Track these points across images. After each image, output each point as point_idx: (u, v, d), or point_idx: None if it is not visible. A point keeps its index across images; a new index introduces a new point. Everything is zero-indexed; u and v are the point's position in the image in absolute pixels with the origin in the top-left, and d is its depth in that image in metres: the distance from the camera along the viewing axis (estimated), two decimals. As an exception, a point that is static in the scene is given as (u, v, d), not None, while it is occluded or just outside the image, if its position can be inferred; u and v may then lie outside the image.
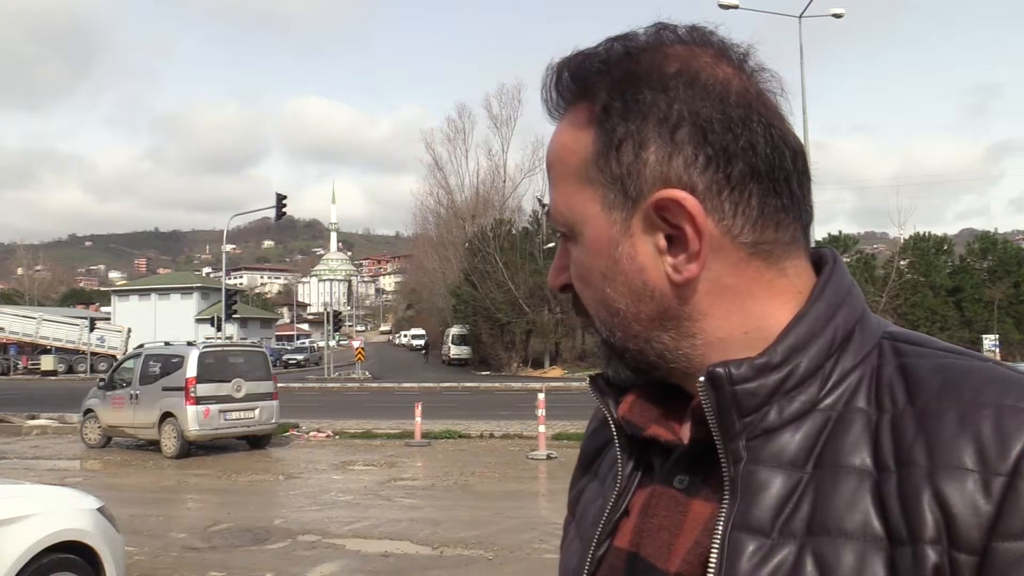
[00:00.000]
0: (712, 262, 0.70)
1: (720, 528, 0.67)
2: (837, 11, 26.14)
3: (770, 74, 0.74)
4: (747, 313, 0.71)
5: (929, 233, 46.72)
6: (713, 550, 0.66)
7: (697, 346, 0.72)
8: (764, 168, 0.69)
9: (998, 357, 36.21)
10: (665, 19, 0.74)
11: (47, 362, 48.84)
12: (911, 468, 0.62)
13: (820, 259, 0.76)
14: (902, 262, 44.09)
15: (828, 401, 0.68)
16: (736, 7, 23.86)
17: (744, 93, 0.70)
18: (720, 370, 0.68)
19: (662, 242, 0.70)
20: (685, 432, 0.75)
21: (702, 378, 0.69)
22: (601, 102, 0.71)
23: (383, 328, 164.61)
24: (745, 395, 0.68)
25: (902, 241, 45.50)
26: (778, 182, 0.70)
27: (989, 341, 38.47)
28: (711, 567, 0.66)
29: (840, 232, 46.47)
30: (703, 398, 0.69)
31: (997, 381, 0.64)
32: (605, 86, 0.71)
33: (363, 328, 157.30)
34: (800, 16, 25.15)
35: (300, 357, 60.13)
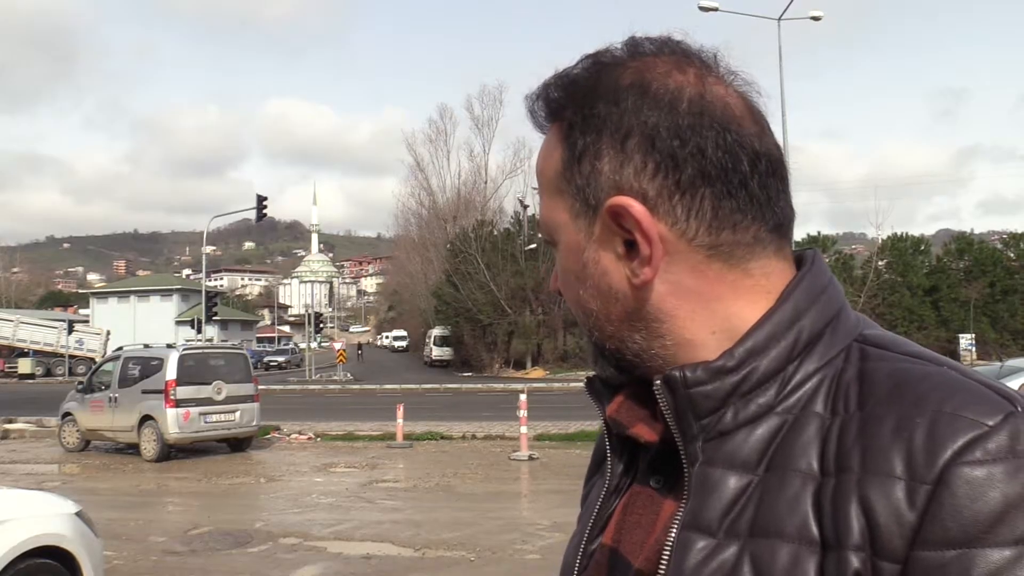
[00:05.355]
0: (670, 265, 0.72)
1: (675, 526, 0.69)
2: (815, 13, 26.35)
3: (742, 78, 0.75)
4: (713, 314, 0.72)
5: (906, 234, 47.23)
6: (666, 547, 0.69)
7: (667, 346, 0.74)
8: (715, 172, 0.70)
9: (974, 356, 36.61)
10: (639, 30, 0.77)
11: (24, 365, 48.29)
12: (847, 474, 0.63)
13: (801, 260, 0.77)
14: (880, 262, 44.50)
15: (786, 404, 0.69)
16: (716, 9, 23.99)
17: (698, 99, 0.71)
18: (676, 373, 0.70)
19: (621, 248, 0.73)
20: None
21: (659, 381, 0.71)
22: (567, 119, 0.75)
23: (359, 329, 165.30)
24: (700, 398, 0.69)
25: (880, 242, 45.92)
26: (732, 185, 0.71)
27: (965, 340, 38.90)
28: (662, 563, 0.69)
29: (819, 233, 46.90)
30: (660, 400, 0.71)
31: (943, 387, 0.64)
32: (571, 104, 0.75)
33: (361, 328, 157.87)
34: (779, 19, 25.33)
35: (281, 359, 59.81)
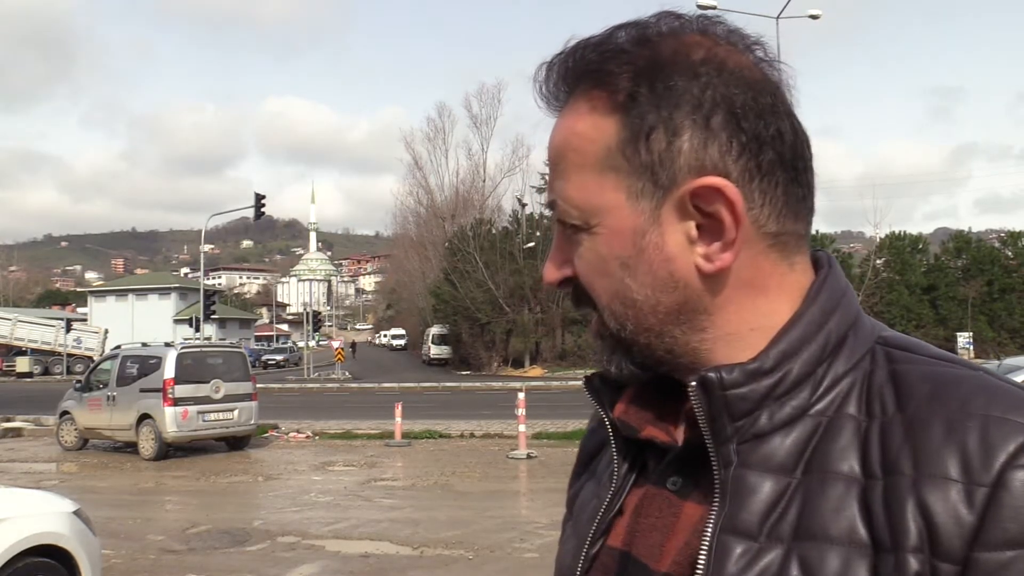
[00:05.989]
0: (740, 253, 0.69)
1: (709, 531, 0.67)
2: (814, 12, 26.34)
3: (783, 65, 0.73)
4: (756, 309, 0.71)
5: (904, 232, 47.27)
6: (702, 552, 0.67)
7: (706, 340, 0.72)
8: (789, 157, 0.70)
9: (972, 354, 36.70)
10: (671, 8, 0.73)
11: (22, 364, 48.20)
12: (897, 476, 0.62)
13: (816, 262, 0.76)
14: (878, 261, 44.53)
15: (819, 406, 0.68)
16: (714, 8, 23.95)
17: (766, 81, 0.70)
18: (712, 375, 0.68)
19: (693, 231, 0.69)
20: (680, 434, 0.75)
21: (693, 382, 0.69)
22: (624, 90, 0.69)
23: (364, 326, 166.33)
24: (736, 400, 0.68)
25: (878, 240, 45.95)
26: (799, 171, 0.71)
27: (963, 339, 38.94)
28: (699, 569, 0.66)
29: (817, 231, 46.86)
30: (695, 402, 0.69)
31: (985, 391, 0.64)
32: (627, 73, 0.69)
33: (365, 326, 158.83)
34: (777, 17, 25.32)
35: (279, 358, 59.77)
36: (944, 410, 0.63)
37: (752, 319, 0.71)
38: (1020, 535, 0.58)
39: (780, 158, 0.69)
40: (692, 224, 0.69)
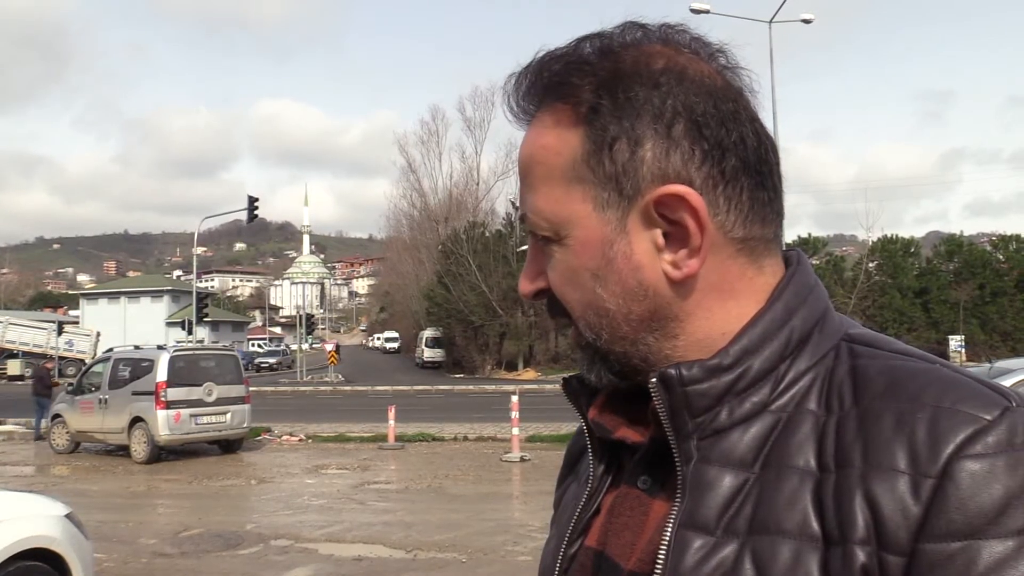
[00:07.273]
0: (707, 258, 0.70)
1: (669, 526, 0.68)
2: (807, 16, 26.45)
3: (745, 72, 0.74)
4: (727, 313, 0.72)
5: (897, 236, 47.41)
6: (662, 546, 0.68)
7: (678, 347, 0.72)
8: (753, 162, 0.70)
9: (964, 357, 36.76)
10: (635, 18, 0.74)
11: (14, 367, 47.94)
12: (848, 469, 0.63)
13: (786, 261, 0.77)
14: (870, 264, 44.67)
15: (780, 402, 0.69)
16: (707, 11, 24.04)
17: (728, 88, 0.71)
18: (672, 371, 0.69)
19: (659, 239, 0.70)
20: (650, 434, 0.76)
21: (654, 379, 0.70)
22: (587, 102, 0.70)
23: (362, 328, 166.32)
24: (696, 396, 0.69)
25: (870, 243, 46.10)
26: (764, 176, 0.71)
27: (955, 342, 39.06)
28: (659, 563, 0.67)
29: (810, 235, 47.03)
30: (656, 399, 0.70)
31: (939, 383, 0.64)
32: (589, 85, 0.70)
33: (363, 328, 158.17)
34: (770, 21, 25.41)
35: (272, 360, 59.64)
36: (896, 403, 0.64)
37: (723, 323, 0.72)
38: (966, 526, 0.58)
39: (744, 164, 0.70)
40: (658, 232, 0.70)
